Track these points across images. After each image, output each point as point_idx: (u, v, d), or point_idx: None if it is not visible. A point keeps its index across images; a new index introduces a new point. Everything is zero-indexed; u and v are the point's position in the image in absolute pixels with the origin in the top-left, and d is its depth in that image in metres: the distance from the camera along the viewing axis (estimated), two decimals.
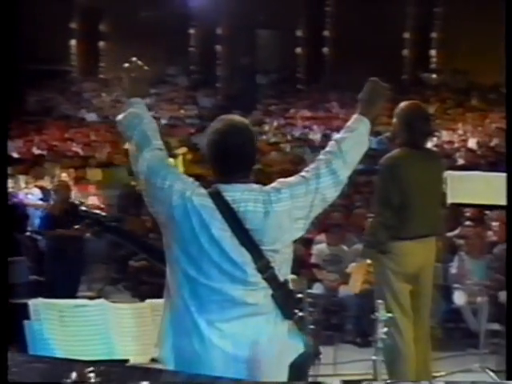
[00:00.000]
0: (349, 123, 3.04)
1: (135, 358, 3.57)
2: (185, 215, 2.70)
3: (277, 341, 2.74)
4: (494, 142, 16.56)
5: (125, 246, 8.01)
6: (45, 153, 14.89)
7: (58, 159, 13.67)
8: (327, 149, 2.97)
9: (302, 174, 2.89)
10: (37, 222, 9.09)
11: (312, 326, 4.51)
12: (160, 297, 4.25)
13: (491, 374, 5.81)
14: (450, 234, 7.72)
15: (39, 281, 7.53)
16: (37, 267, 7.86)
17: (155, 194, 2.80)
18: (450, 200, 5.24)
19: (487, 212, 8.24)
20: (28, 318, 3.33)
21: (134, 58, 3.19)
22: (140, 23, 24.08)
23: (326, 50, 25.87)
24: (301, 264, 7.44)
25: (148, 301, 3.96)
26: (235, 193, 2.73)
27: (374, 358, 4.09)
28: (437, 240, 5.09)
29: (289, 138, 17.90)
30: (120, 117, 3.02)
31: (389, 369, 4.68)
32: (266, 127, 19.43)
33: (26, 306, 3.35)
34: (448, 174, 5.81)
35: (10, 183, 11.05)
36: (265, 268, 2.72)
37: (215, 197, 2.72)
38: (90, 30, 25.42)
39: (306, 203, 2.82)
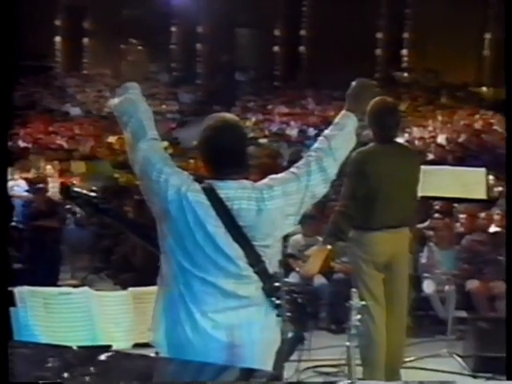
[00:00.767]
0: (337, 120, 3.01)
1: (118, 344, 3.56)
2: (180, 210, 2.67)
3: (267, 330, 2.75)
4: (462, 137, 16.68)
5: (109, 235, 7.99)
6: (30, 146, 14.79)
7: (43, 152, 13.57)
8: (317, 145, 2.94)
9: (293, 170, 2.86)
10: (22, 212, 9.04)
11: (288, 313, 4.55)
12: (141, 285, 4.24)
13: (458, 359, 5.86)
14: (419, 226, 7.76)
15: (24, 269, 7.47)
16: (22, 256, 7.80)
17: (150, 186, 2.75)
18: (420, 193, 5.26)
19: (455, 205, 8.29)
20: (14, 305, 3.30)
21: (133, 40, 3.10)
22: (123, 21, 23.95)
23: (302, 48, 25.89)
24: None
25: (130, 289, 3.95)
26: (229, 190, 2.70)
27: (347, 344, 4.11)
28: (410, 231, 5.12)
29: (266, 133, 17.91)
30: (115, 101, 2.92)
31: (361, 355, 4.71)
32: (247, 123, 19.43)
33: (11, 293, 3.32)
34: None
35: None
36: (256, 262, 2.71)
37: (209, 193, 2.69)
38: (73, 27, 25.23)
39: (297, 200, 2.79)
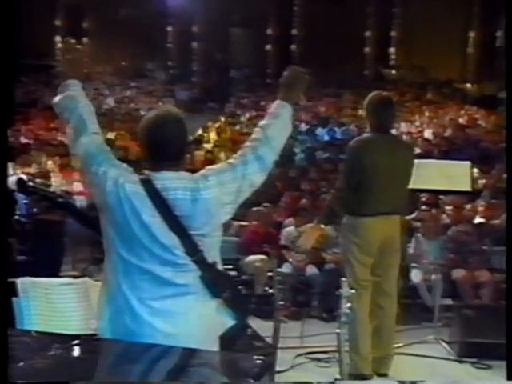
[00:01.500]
0: (271, 109, 2.96)
1: None
2: (117, 201, 2.64)
3: (205, 318, 2.69)
4: (448, 132, 16.69)
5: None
6: (31, 142, 14.73)
7: (44, 147, 13.53)
8: (253, 136, 2.90)
9: (230, 160, 2.82)
10: (24, 206, 9.01)
11: (281, 302, 4.55)
12: None
13: (445, 345, 5.88)
14: (407, 218, 7.78)
15: (27, 261, 7.46)
16: (24, 248, 7.79)
17: (91, 178, 2.73)
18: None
19: (441, 197, 8.30)
20: (16, 295, 3.29)
21: (69, 38, 3.07)
22: (121, 21, 23.88)
23: (293, 47, 25.84)
24: (271, 245, 7.47)
25: None
26: (165, 181, 2.66)
27: (337, 331, 4.13)
28: (400, 218, 5.17)
29: None
30: (56, 99, 2.89)
31: (349, 341, 4.73)
32: (242, 118, 19.41)
33: (14, 284, 3.32)
34: None
35: None
36: (193, 251, 2.67)
37: (146, 184, 2.65)
38: (73, 26, 25.09)
39: (233, 189, 2.75)
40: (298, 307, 6.84)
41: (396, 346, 5.42)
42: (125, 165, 2.76)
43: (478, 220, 8.05)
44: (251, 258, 7.25)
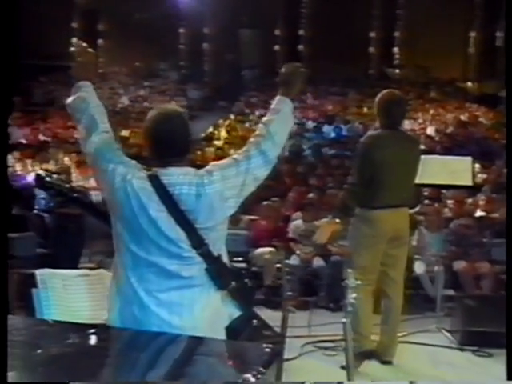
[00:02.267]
0: (273, 105, 2.93)
1: None
2: (125, 197, 2.64)
3: (210, 309, 2.69)
4: (450, 129, 16.64)
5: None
6: (49, 139, 14.79)
7: (61, 145, 13.57)
8: (257, 132, 2.88)
9: (234, 156, 2.81)
10: (44, 201, 9.03)
11: (289, 293, 4.54)
12: None
13: (446, 333, 5.86)
14: (411, 211, 7.75)
15: (46, 253, 7.49)
16: (44, 242, 7.82)
17: (101, 175, 2.74)
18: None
19: (444, 191, 8.28)
20: (35, 286, 3.31)
21: (79, 41, 3.04)
22: (135, 23, 23.90)
23: (301, 47, 25.79)
24: (279, 238, 7.47)
25: None
26: (171, 177, 2.66)
27: (344, 320, 4.11)
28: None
29: None
30: (68, 100, 2.88)
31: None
32: (251, 116, 19.40)
33: (33, 275, 3.33)
34: None
35: (19, 167, 10.98)
36: (199, 244, 2.66)
37: (153, 180, 2.65)
38: (89, 29, 25.14)
39: (237, 183, 2.73)
40: (305, 297, 6.84)
41: (400, 334, 5.42)
42: (133, 162, 2.75)
43: (478, 213, 8.02)
44: (260, 250, 7.25)
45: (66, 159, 11.63)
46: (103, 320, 2.79)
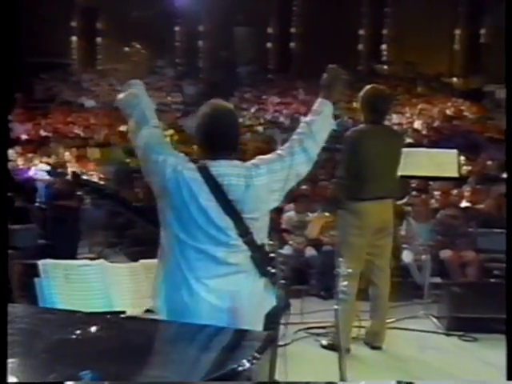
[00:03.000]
0: (315, 107, 3.01)
1: (131, 310, 3.56)
2: (176, 186, 2.67)
3: (255, 295, 2.74)
4: (436, 123, 16.64)
5: (121, 214, 7.98)
6: (50, 134, 14.74)
7: (62, 140, 13.55)
8: (299, 130, 2.94)
9: (278, 152, 2.88)
10: (44, 193, 9.02)
11: (283, 281, 4.55)
12: (151, 258, 4.24)
13: (434, 319, 5.89)
14: (399, 202, 7.77)
15: (47, 244, 7.47)
16: (45, 233, 7.80)
17: (151, 167, 2.76)
18: (399, 173, 5.28)
19: (430, 183, 8.29)
20: (38, 275, 3.31)
21: (135, 43, 3.10)
22: (132, 21, 23.78)
23: (292, 44, 25.75)
24: (273, 229, 7.46)
25: (141, 261, 3.94)
26: (220, 168, 2.70)
27: (335, 307, 4.12)
28: (393, 203, 5.19)
29: (261, 121, 17.84)
30: (121, 96, 2.93)
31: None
32: (245, 112, 19.37)
33: (36, 265, 3.33)
34: None
35: (21, 161, 10.96)
36: (245, 233, 2.71)
37: (203, 171, 2.69)
38: (88, 27, 25.04)
39: (282, 177, 2.80)
40: (298, 286, 6.84)
41: (389, 321, 5.44)
42: (182, 154, 2.80)
43: (464, 204, 8.04)
44: None
45: (67, 154, 11.61)
46: (148, 307, 2.80)
